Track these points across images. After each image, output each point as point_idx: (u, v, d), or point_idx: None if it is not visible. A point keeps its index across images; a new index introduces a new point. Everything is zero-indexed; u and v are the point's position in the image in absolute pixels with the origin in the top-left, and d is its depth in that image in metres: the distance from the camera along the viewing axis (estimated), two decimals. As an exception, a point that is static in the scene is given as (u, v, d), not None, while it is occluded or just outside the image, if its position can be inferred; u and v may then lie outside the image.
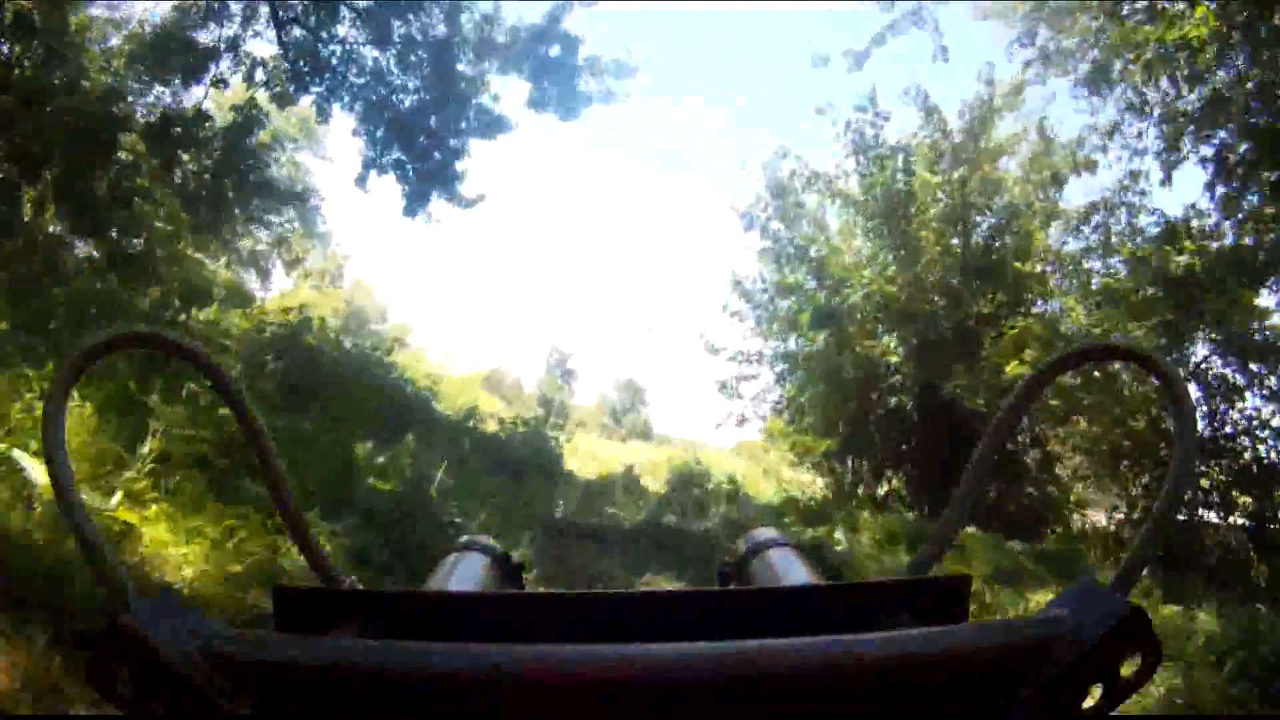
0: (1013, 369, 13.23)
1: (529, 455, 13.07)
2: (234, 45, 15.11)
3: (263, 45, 15.26)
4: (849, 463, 15.91)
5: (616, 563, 7.29)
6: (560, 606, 0.68)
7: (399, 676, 0.49)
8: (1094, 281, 14.33)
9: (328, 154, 40.29)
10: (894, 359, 14.24)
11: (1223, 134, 12.29)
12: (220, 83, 15.14)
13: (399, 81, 15.70)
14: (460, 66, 15.64)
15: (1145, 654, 0.52)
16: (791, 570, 0.87)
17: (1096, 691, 0.52)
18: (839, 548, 8.82)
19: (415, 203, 15.90)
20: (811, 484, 16.57)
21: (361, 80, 15.29)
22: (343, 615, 0.63)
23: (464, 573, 0.89)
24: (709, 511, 12.47)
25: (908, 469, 15.05)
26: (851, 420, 15.12)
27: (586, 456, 22.50)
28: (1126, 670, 0.52)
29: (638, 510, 11.41)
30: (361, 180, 16.74)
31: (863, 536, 9.24)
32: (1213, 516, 11.78)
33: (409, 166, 15.84)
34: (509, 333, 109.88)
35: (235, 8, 14.98)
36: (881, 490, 15.10)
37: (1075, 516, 14.86)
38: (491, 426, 14.65)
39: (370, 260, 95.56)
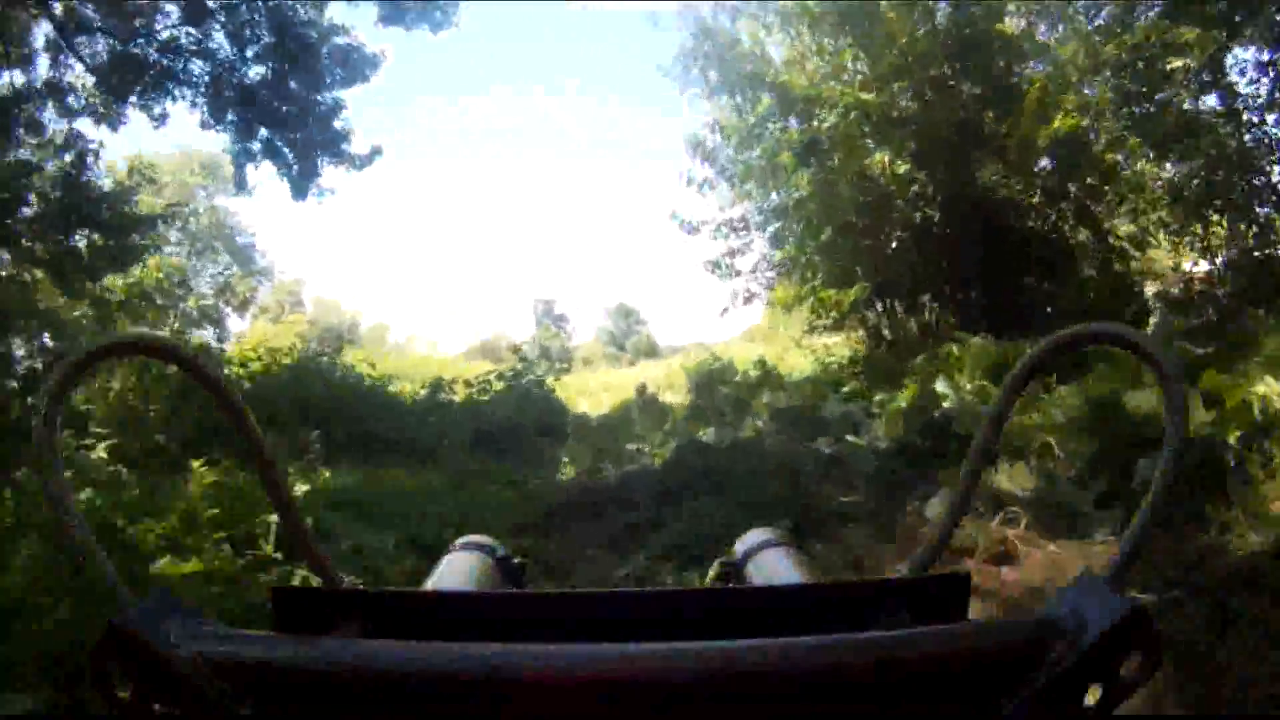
0: (1061, 122, 10.49)
1: (516, 414, 10.41)
2: (52, 86, 12.37)
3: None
4: (879, 306, 13.15)
5: (658, 548, 4.48)
6: (559, 606, 0.65)
7: (398, 677, 0.46)
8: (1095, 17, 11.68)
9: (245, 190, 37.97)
10: (902, 169, 11.36)
11: None
12: (33, 126, 12.36)
13: (235, 54, 12.68)
14: (299, 12, 12.64)
15: (1146, 653, 0.48)
16: (790, 569, 0.82)
17: (1097, 691, 0.49)
18: (947, 402, 6.15)
19: (303, 180, 12.99)
20: (848, 342, 13.91)
21: (184, 63, 12.29)
22: (342, 615, 0.60)
23: (463, 572, 0.84)
24: (749, 408, 9.78)
25: (953, 289, 12.30)
26: (873, 257, 12.32)
27: (598, 390, 20.02)
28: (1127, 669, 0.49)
29: (666, 438, 8.67)
30: (240, 182, 13.91)
31: (962, 382, 6.53)
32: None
33: (281, 144, 12.88)
34: (494, 298, 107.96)
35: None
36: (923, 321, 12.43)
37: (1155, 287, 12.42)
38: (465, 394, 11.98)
39: (333, 275, 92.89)
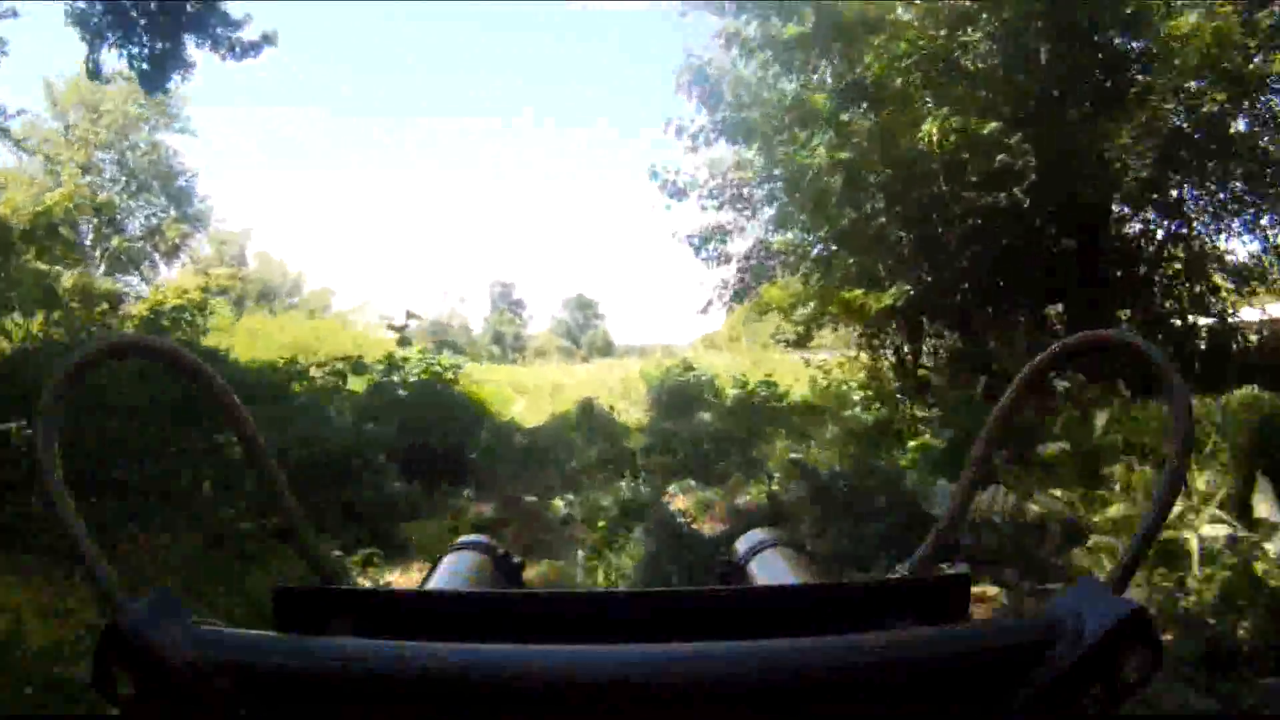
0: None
1: (383, 425, 6.07)
2: None
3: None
4: (904, 327, 9.38)
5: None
6: (559, 606, 0.61)
7: (398, 676, 0.44)
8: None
9: (191, 128, 33.34)
10: (986, 128, 7.55)
11: None
12: None
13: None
14: None
15: (1146, 654, 0.46)
16: (791, 570, 0.76)
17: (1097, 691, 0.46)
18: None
19: (159, 70, 8.90)
20: (852, 364, 10.21)
21: None
22: (341, 615, 0.56)
23: (464, 572, 0.77)
24: (749, 452, 5.95)
25: (1011, 305, 8.57)
26: (916, 252, 8.55)
27: (542, 390, 16.25)
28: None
29: (621, 510, 4.69)
30: (94, 68, 9.70)
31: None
32: None
33: (136, 13, 8.79)
34: (455, 280, 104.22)
35: None
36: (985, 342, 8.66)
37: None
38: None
39: (291, 237, 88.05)
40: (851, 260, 9.39)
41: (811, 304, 10.09)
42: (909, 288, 8.60)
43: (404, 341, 6.97)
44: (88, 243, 29.02)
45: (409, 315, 7.16)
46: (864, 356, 10.20)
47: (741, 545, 0.82)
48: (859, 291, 8.79)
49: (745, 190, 10.49)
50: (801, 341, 10.80)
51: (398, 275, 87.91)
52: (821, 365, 10.15)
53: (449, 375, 7.27)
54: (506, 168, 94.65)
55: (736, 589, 0.75)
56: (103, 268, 29.40)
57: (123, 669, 0.44)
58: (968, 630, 0.52)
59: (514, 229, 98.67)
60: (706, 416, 7.57)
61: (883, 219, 8.40)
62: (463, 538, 0.83)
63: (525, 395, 15.53)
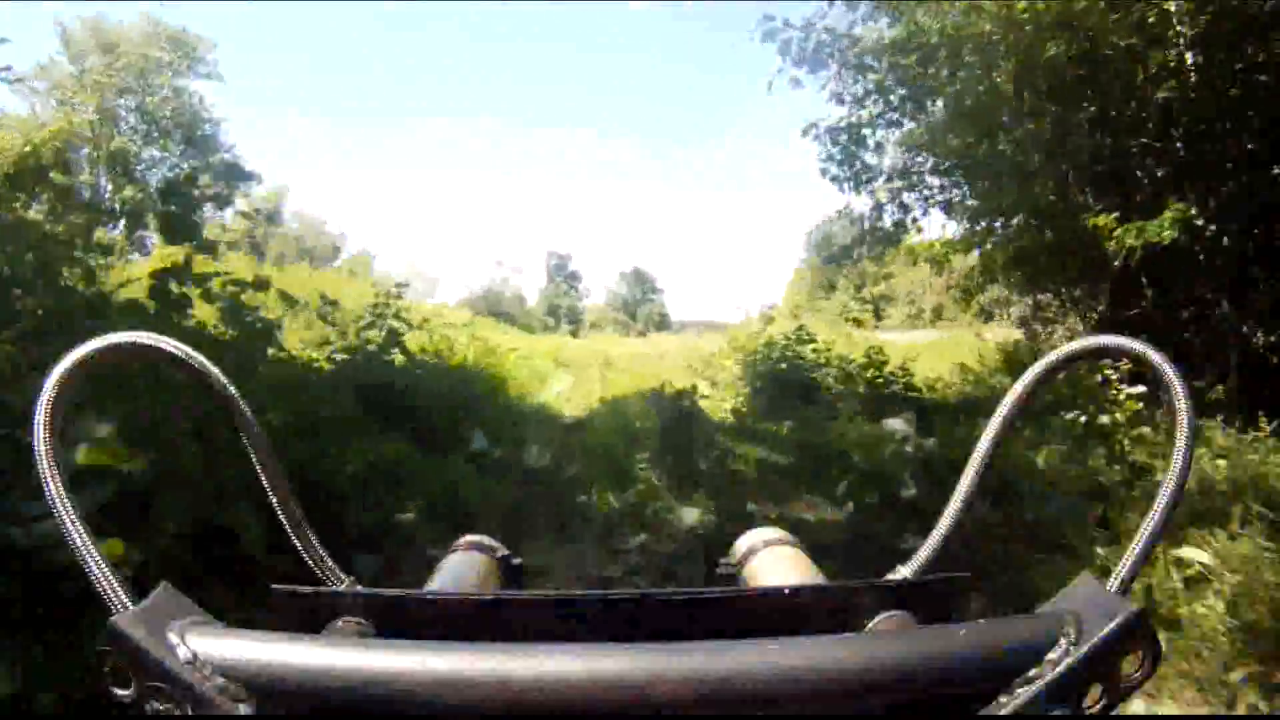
0: None
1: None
2: None
3: None
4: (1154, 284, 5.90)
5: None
6: (560, 607, 0.58)
7: (399, 677, 0.43)
8: None
9: (218, 72, 30.55)
10: None
11: None
12: None
13: None
14: None
15: (1146, 654, 0.45)
16: (791, 570, 0.70)
17: (1097, 691, 0.45)
18: None
19: None
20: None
21: None
22: (342, 615, 0.55)
23: (465, 573, 0.72)
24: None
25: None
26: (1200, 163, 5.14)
27: (590, 362, 13.09)
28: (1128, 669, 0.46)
29: None
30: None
31: None
32: None
33: None
34: (506, 248, 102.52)
35: None
36: None
37: None
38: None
39: (328, 192, 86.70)
40: (1050, 181, 6.03)
41: (987, 246, 6.69)
42: (1194, 211, 5.12)
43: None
44: (106, 195, 26.49)
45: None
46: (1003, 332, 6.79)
47: (741, 545, 0.75)
48: (1110, 218, 5.31)
49: (890, 81, 7.00)
50: (878, 317, 7.52)
51: (453, 247, 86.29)
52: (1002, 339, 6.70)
53: (404, 332, 3.85)
54: (562, 148, 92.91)
55: (735, 589, 0.69)
56: (123, 221, 26.82)
57: (123, 668, 0.42)
58: (967, 630, 0.48)
59: (572, 203, 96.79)
60: (897, 424, 4.17)
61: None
62: (464, 538, 0.76)
63: (573, 370, 12.33)
